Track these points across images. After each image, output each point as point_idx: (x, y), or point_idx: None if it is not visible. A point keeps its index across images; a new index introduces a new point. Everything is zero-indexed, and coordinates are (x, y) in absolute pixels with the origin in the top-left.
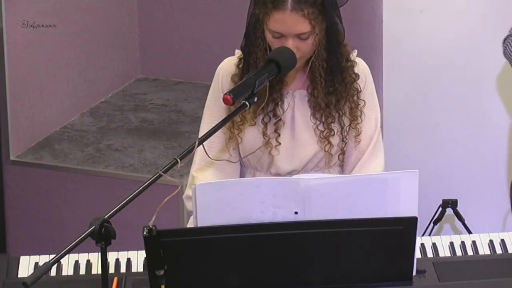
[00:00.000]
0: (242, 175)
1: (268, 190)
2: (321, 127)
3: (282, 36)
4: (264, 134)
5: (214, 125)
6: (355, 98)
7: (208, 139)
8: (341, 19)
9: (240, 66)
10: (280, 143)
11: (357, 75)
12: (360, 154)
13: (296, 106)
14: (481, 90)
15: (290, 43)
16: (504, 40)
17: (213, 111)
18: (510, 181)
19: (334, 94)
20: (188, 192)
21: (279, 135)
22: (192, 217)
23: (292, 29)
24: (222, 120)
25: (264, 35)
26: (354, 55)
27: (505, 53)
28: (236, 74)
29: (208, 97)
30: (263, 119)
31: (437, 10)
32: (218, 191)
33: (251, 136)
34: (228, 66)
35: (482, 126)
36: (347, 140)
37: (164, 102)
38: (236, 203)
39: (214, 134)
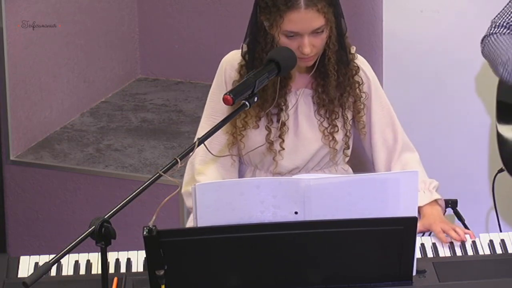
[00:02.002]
0: (242, 173)
1: (268, 190)
2: (325, 124)
3: (297, 35)
4: (268, 140)
5: (214, 117)
6: (357, 91)
7: (209, 138)
8: (341, 10)
9: (242, 72)
10: (284, 149)
11: (358, 68)
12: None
13: (300, 104)
14: (482, 89)
15: (306, 41)
16: (482, 40)
17: (215, 103)
18: (492, 179)
19: (338, 88)
20: (187, 188)
21: (283, 140)
22: (191, 215)
23: (308, 26)
24: (222, 120)
25: (273, 41)
26: (353, 50)
27: (483, 53)
28: (238, 81)
29: (211, 89)
30: (267, 125)
31: (437, 10)
32: (218, 191)
33: (255, 141)
34: (232, 59)
35: (482, 125)
36: (350, 135)
37: (164, 102)
38: (236, 203)
39: (215, 134)
